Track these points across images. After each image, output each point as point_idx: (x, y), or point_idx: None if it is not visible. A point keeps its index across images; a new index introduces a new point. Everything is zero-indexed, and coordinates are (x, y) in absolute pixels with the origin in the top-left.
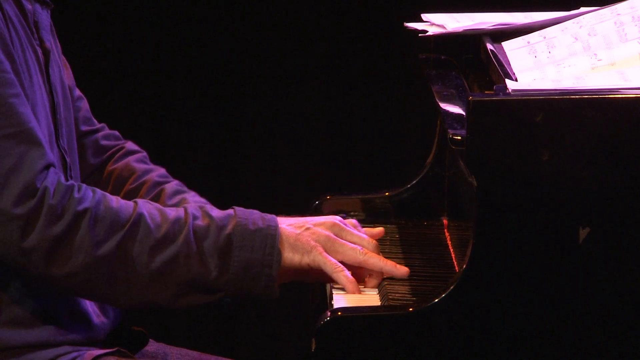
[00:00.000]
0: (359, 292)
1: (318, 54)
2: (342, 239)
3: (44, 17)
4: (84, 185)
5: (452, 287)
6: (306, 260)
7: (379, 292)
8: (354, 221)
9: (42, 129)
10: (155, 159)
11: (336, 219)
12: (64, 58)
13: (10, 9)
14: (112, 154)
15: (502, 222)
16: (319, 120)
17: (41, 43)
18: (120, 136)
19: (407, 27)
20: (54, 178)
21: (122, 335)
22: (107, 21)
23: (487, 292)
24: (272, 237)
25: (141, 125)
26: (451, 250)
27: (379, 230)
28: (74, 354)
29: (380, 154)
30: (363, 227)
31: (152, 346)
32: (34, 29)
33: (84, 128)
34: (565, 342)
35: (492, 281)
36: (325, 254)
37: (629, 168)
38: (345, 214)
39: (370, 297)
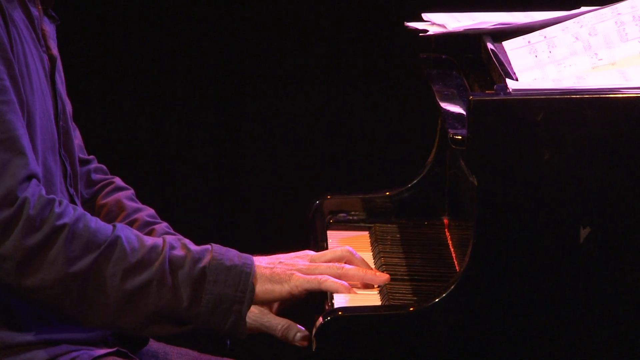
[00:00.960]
0: (353, 290)
1: (318, 54)
2: (315, 262)
3: (52, 29)
4: (65, 201)
5: (452, 287)
6: (287, 288)
7: (380, 292)
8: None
9: (38, 136)
10: (155, 161)
11: (306, 252)
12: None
13: (17, 14)
14: (101, 187)
15: (503, 222)
16: (319, 120)
17: (47, 49)
18: (108, 171)
19: (407, 26)
20: (35, 190)
21: (122, 335)
22: (107, 21)
23: (487, 292)
24: (246, 275)
25: (141, 126)
26: (452, 250)
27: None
28: (74, 354)
29: (381, 154)
30: (363, 226)
31: (152, 346)
32: (40, 35)
33: (80, 156)
34: (565, 342)
35: (493, 281)
36: (303, 275)
37: (629, 167)
38: (346, 214)
39: (371, 297)
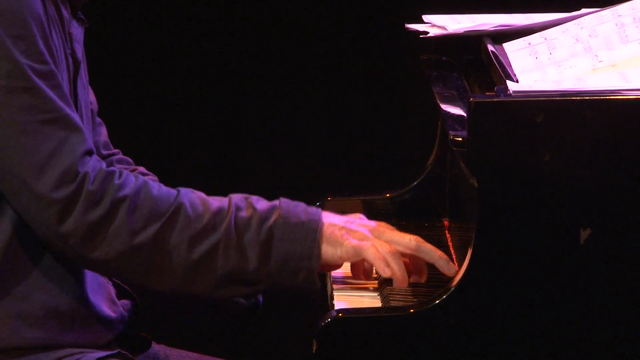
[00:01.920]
0: (389, 272)
1: (319, 55)
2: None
3: (79, 32)
4: (125, 172)
5: (453, 289)
6: (339, 252)
7: (380, 294)
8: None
9: None
10: (155, 161)
11: (382, 224)
12: (89, 87)
13: (51, 12)
14: None
15: (503, 223)
16: (319, 121)
17: (73, 53)
18: (132, 162)
19: (408, 28)
20: (95, 164)
21: (125, 340)
22: (106, 21)
23: (488, 294)
24: (313, 231)
25: (141, 126)
26: (452, 251)
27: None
28: (76, 356)
29: (381, 155)
30: None
31: (153, 348)
32: (67, 38)
33: (104, 152)
34: (566, 343)
35: (493, 282)
36: (354, 241)
37: (630, 169)
38: None
39: (372, 299)
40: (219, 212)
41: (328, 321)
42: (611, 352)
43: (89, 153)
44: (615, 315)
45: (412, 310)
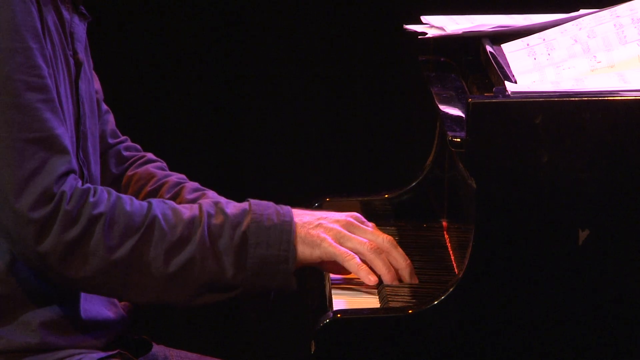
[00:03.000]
0: (375, 279)
1: (318, 56)
2: (354, 234)
3: (81, 29)
4: (99, 188)
5: (451, 290)
6: (317, 253)
7: (379, 294)
8: (370, 223)
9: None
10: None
11: (352, 216)
12: (94, 73)
13: (50, 17)
14: (132, 162)
15: (502, 224)
16: (318, 122)
17: (74, 54)
18: (141, 149)
19: (406, 29)
20: (72, 183)
21: (126, 342)
22: (106, 14)
23: (486, 295)
24: (287, 233)
25: (140, 127)
26: (451, 252)
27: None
28: (77, 357)
29: (380, 156)
30: None
31: (153, 348)
32: (69, 39)
33: (111, 141)
34: (565, 344)
35: (492, 283)
36: (335, 244)
37: (628, 170)
38: None
39: (370, 299)
40: (192, 222)
41: (326, 322)
42: (611, 352)
43: (68, 173)
44: (614, 315)
45: (410, 311)
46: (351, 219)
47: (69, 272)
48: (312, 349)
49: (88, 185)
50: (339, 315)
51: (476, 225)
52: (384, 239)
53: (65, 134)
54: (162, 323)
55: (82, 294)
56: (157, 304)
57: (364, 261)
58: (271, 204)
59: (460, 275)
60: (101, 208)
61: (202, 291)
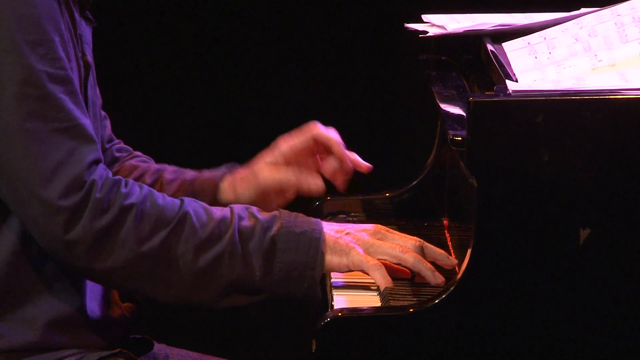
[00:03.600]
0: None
1: (318, 55)
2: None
3: (88, 32)
4: (131, 181)
5: (452, 288)
6: (345, 261)
7: (380, 293)
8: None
9: None
10: (155, 161)
11: (379, 226)
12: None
13: (66, 16)
14: (121, 161)
15: (503, 223)
16: (319, 121)
17: (83, 56)
18: (132, 150)
19: (407, 28)
20: (102, 172)
21: (127, 341)
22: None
23: (487, 293)
24: (316, 240)
25: (140, 128)
26: (452, 251)
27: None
28: (77, 356)
29: (381, 155)
30: None
31: (154, 347)
32: (79, 41)
33: (107, 145)
34: (565, 343)
35: (493, 282)
36: (363, 253)
37: (629, 169)
38: (346, 215)
39: (371, 298)
40: (223, 221)
41: (327, 321)
42: (611, 351)
43: (97, 162)
44: (614, 314)
45: (411, 310)
46: (379, 227)
47: (97, 262)
48: (313, 348)
49: (119, 176)
50: (339, 314)
51: (477, 224)
52: (414, 242)
53: (90, 125)
54: (163, 322)
55: (87, 293)
56: (182, 304)
57: (398, 265)
58: (300, 214)
59: (460, 274)
60: (133, 199)
61: (228, 291)
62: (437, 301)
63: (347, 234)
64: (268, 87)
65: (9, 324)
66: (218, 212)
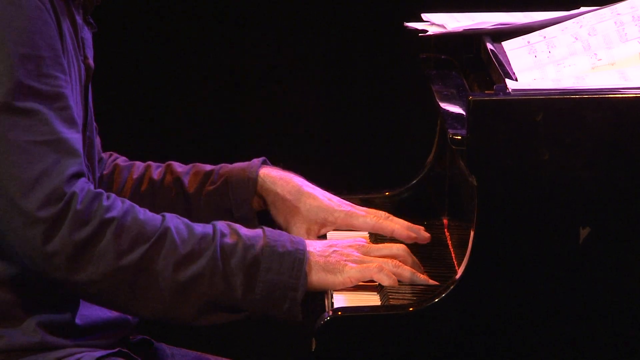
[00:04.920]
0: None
1: (318, 54)
2: (370, 255)
3: (89, 36)
4: (113, 195)
5: (452, 287)
6: (340, 279)
7: (379, 292)
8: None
9: None
10: (155, 162)
11: (360, 240)
12: None
13: (65, 24)
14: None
15: (502, 222)
16: (319, 120)
17: (85, 59)
18: (118, 155)
19: (407, 26)
20: (84, 185)
21: (127, 342)
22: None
23: (487, 292)
24: (299, 261)
25: (142, 127)
26: (451, 250)
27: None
28: (77, 356)
29: (381, 154)
30: None
31: (153, 347)
32: (81, 44)
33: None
34: (565, 342)
35: (492, 281)
36: (356, 266)
37: (629, 167)
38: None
39: (371, 297)
40: (204, 238)
41: (327, 320)
42: (611, 351)
43: (78, 175)
44: (614, 314)
45: (411, 309)
46: (361, 241)
47: (76, 274)
48: (313, 347)
49: (101, 190)
50: (339, 313)
51: (477, 222)
52: (397, 250)
53: (77, 139)
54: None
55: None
56: (162, 320)
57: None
58: (285, 233)
59: (460, 273)
60: (114, 212)
61: (209, 309)
62: (436, 300)
63: (334, 251)
64: (267, 87)
65: (8, 328)
66: (199, 228)
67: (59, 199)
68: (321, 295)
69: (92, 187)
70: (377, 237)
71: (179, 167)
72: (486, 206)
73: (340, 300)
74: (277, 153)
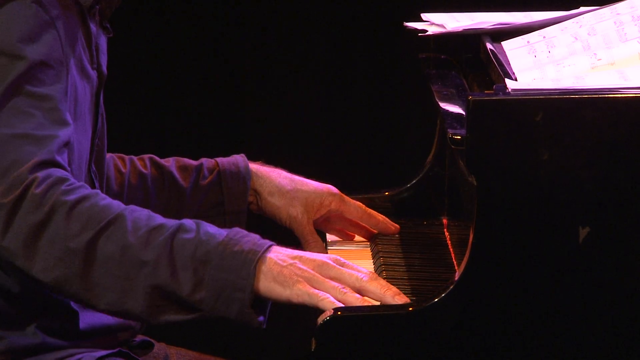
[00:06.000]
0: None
1: (318, 54)
2: (328, 277)
3: (104, 41)
4: (83, 184)
5: (451, 287)
6: (287, 293)
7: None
8: (349, 264)
9: (74, 153)
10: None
11: (328, 257)
12: None
13: (79, 35)
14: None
15: (502, 222)
16: (318, 120)
17: (99, 66)
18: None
19: (406, 26)
20: (50, 172)
21: (130, 344)
22: None
23: (486, 292)
24: (249, 262)
25: (142, 127)
26: (451, 249)
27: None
28: (77, 356)
29: (380, 154)
30: None
31: (153, 346)
32: (94, 52)
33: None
34: (564, 342)
35: (492, 281)
36: (308, 286)
37: (628, 167)
38: None
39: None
40: (159, 229)
41: (326, 319)
42: (610, 351)
43: (48, 163)
44: (614, 313)
45: (410, 309)
46: (327, 260)
47: (31, 260)
48: (313, 346)
49: (70, 177)
50: (339, 313)
51: (476, 222)
52: (356, 278)
53: (61, 137)
54: None
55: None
56: (117, 313)
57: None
58: (256, 236)
59: (460, 273)
60: (70, 196)
61: (159, 302)
62: (436, 300)
63: (293, 264)
64: (267, 87)
65: (9, 331)
66: (161, 221)
67: (20, 184)
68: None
69: (63, 174)
70: (377, 241)
71: (163, 160)
72: (486, 206)
73: None
74: (277, 153)
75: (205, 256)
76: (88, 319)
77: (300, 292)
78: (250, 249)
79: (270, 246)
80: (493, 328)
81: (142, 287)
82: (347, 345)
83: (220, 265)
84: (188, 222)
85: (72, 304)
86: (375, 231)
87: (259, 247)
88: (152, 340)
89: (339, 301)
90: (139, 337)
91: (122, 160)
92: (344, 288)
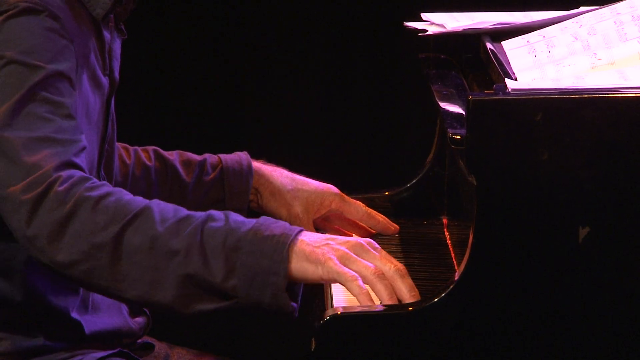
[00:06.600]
0: (372, 302)
1: (318, 54)
2: (361, 258)
3: (117, 45)
4: (105, 182)
5: (451, 287)
6: (319, 272)
7: None
8: (381, 250)
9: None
10: None
11: (365, 240)
12: None
13: (91, 44)
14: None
15: (502, 222)
16: (318, 120)
17: (111, 73)
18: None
19: (406, 26)
20: (73, 172)
21: (130, 344)
22: None
23: (486, 292)
24: (282, 245)
25: (142, 127)
26: (451, 249)
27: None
28: (78, 357)
29: (380, 154)
30: None
31: (154, 347)
32: (107, 59)
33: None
34: (564, 342)
35: (492, 281)
36: (339, 264)
37: (628, 167)
38: None
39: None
40: (187, 219)
41: (326, 319)
42: (611, 351)
43: (69, 165)
44: (614, 313)
45: (410, 309)
46: (362, 242)
47: (58, 255)
48: (313, 346)
49: (92, 177)
50: (339, 312)
51: (476, 222)
52: (390, 267)
53: (79, 143)
54: (164, 321)
55: (90, 306)
56: (147, 304)
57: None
58: (285, 223)
59: (460, 273)
60: (94, 192)
61: (189, 291)
62: (436, 300)
63: (326, 244)
64: (267, 87)
65: (12, 333)
66: (187, 213)
67: (43, 182)
68: (321, 294)
69: (86, 175)
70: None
71: (167, 154)
72: (486, 206)
73: (339, 299)
74: (278, 153)
75: (236, 243)
76: (92, 326)
77: (330, 269)
78: (282, 233)
79: (301, 230)
80: (493, 328)
81: (173, 277)
82: (347, 345)
83: (252, 251)
84: (216, 212)
85: (74, 314)
86: (374, 231)
87: (290, 231)
88: (154, 342)
89: (368, 283)
90: (141, 340)
91: (127, 150)
92: (376, 270)
